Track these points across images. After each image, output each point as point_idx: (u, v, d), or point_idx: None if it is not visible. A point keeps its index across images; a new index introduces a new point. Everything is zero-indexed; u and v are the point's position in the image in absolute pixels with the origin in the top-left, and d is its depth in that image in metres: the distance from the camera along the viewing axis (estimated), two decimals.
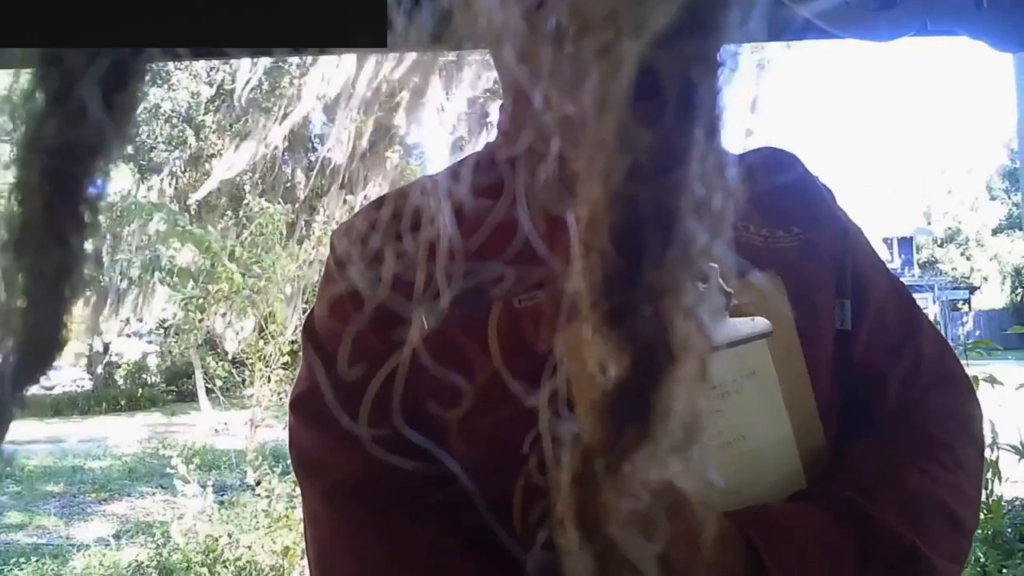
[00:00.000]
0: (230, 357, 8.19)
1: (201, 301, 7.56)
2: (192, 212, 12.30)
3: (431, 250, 0.36)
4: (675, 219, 0.24)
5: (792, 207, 0.81)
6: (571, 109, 0.24)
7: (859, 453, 0.76)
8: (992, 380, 3.82)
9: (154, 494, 7.88)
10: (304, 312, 7.56)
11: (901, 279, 0.87)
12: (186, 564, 5.02)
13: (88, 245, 0.26)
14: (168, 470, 6.25)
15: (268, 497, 5.54)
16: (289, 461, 0.79)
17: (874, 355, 0.80)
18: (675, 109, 0.23)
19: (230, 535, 5.12)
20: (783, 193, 0.81)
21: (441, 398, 0.64)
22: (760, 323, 0.73)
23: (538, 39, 0.24)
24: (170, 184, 14.01)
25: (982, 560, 3.71)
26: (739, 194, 0.25)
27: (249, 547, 4.99)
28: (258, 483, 6.47)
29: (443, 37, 0.25)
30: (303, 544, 5.10)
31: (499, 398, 0.44)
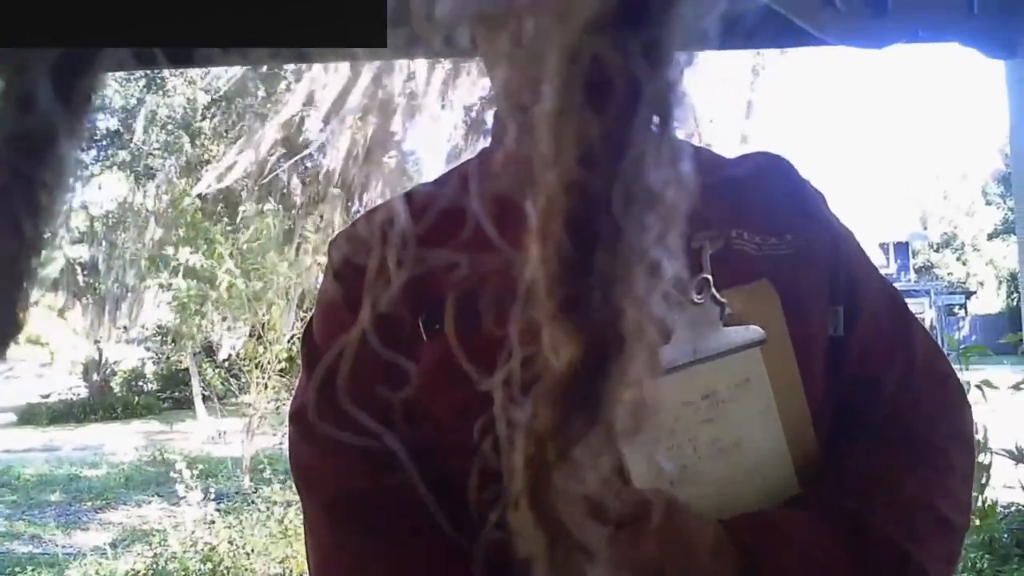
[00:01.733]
0: (227, 364, 8.16)
1: (198, 306, 7.54)
2: (189, 220, 12.28)
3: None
4: (627, 208, 0.24)
5: (785, 213, 0.81)
6: (526, 97, 0.25)
7: (852, 457, 0.76)
8: (987, 384, 3.82)
9: (150, 502, 7.84)
10: (301, 319, 7.55)
11: (897, 284, 0.88)
12: (183, 573, 5.00)
13: (45, 231, 0.26)
14: (169, 476, 6.22)
15: (267, 505, 5.52)
16: (286, 469, 0.79)
17: (867, 360, 0.81)
18: (622, 98, 0.23)
19: (231, 541, 5.10)
20: (775, 200, 0.82)
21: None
22: (753, 331, 0.73)
23: (491, 27, 0.25)
24: (166, 191, 13.98)
25: (978, 565, 3.71)
26: (693, 187, 0.26)
27: (248, 555, 4.97)
28: (255, 491, 6.45)
29: (440, 45, 0.26)
30: (303, 552, 5.09)
31: (458, 381, 0.45)
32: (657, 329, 0.26)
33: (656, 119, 0.24)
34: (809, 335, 0.77)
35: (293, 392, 0.83)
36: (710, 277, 0.69)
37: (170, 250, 8.34)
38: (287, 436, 0.79)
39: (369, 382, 0.56)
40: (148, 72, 11.62)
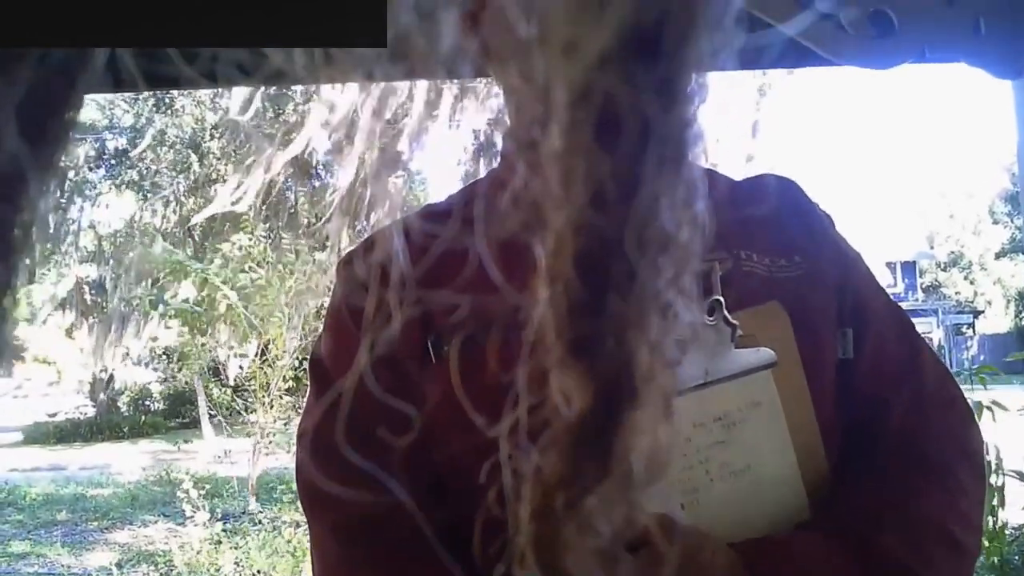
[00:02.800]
0: (232, 384, 8.17)
1: (204, 326, 7.56)
2: (196, 239, 12.35)
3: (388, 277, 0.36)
4: (640, 249, 0.23)
5: (793, 235, 0.81)
6: (535, 133, 0.24)
7: (862, 479, 0.76)
8: (996, 405, 3.80)
9: (156, 522, 7.82)
10: (306, 338, 7.55)
11: (904, 303, 0.88)
12: None
13: (20, 269, 0.25)
14: (175, 496, 6.20)
15: (273, 526, 5.51)
16: (294, 489, 0.79)
17: (876, 382, 0.80)
18: (633, 137, 0.23)
19: (237, 562, 5.08)
20: (784, 221, 0.82)
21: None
22: (765, 353, 0.73)
23: (499, 62, 0.24)
24: (174, 211, 14.06)
25: None
26: (708, 227, 0.25)
27: None
28: (261, 511, 6.44)
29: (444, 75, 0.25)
30: (305, 572, 5.03)
31: (463, 428, 0.44)
32: (672, 375, 0.25)
33: (670, 158, 0.23)
34: (819, 358, 0.77)
35: (301, 411, 0.83)
36: (721, 299, 0.69)
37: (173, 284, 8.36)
38: (294, 456, 0.79)
39: (375, 419, 0.56)
40: (157, 93, 11.70)
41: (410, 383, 0.70)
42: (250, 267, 7.44)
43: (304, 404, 0.81)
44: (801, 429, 0.74)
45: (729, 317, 0.70)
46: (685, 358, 0.67)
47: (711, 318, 0.69)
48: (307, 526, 0.80)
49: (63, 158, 0.25)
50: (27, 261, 0.25)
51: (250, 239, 7.92)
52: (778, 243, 0.79)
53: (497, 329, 0.66)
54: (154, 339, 13.39)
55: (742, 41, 0.24)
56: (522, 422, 0.27)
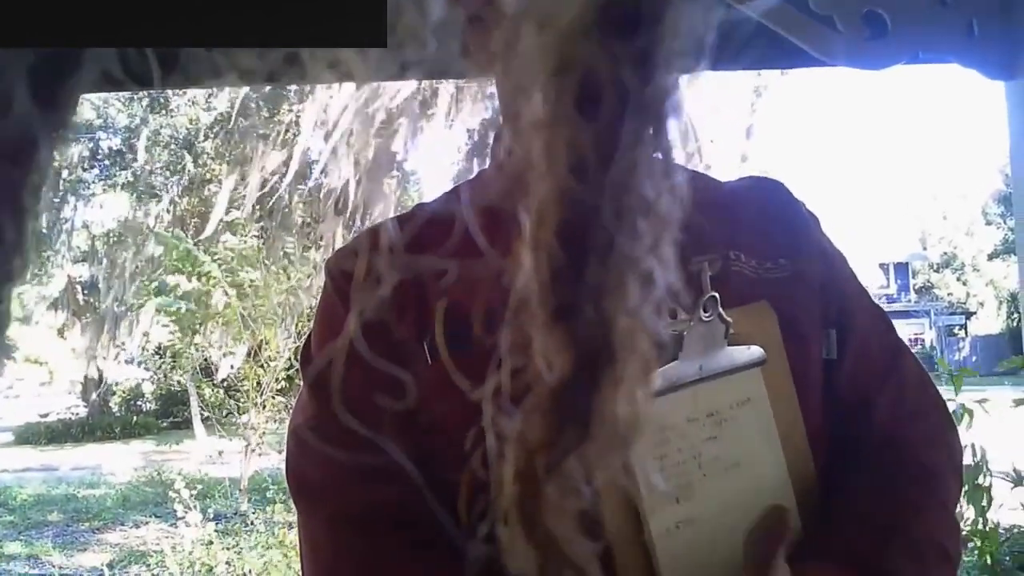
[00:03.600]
0: (224, 384, 8.16)
1: (197, 324, 7.54)
2: (190, 238, 12.32)
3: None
4: (619, 217, 0.24)
5: (779, 237, 0.82)
6: (519, 104, 0.24)
7: (858, 493, 0.77)
8: (981, 403, 3.81)
9: (148, 523, 7.81)
10: (298, 336, 7.55)
11: (897, 304, 0.88)
12: None
13: (30, 231, 0.26)
14: (167, 496, 6.18)
15: (266, 526, 5.50)
16: (285, 489, 0.79)
17: (859, 383, 0.81)
18: (612, 106, 0.23)
19: (228, 563, 5.07)
20: (770, 223, 0.83)
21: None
22: (755, 351, 0.74)
23: (483, 32, 0.24)
24: (167, 210, 14.03)
25: None
26: (686, 197, 0.25)
27: None
28: (253, 512, 6.42)
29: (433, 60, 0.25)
30: (292, 572, 5.02)
31: (449, 392, 0.44)
32: (650, 340, 0.25)
33: (650, 129, 0.24)
34: (805, 357, 0.78)
35: (293, 408, 0.83)
36: (717, 296, 0.70)
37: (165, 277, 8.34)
38: (286, 451, 0.79)
39: (366, 389, 0.56)
40: (151, 92, 11.68)
41: (401, 352, 0.70)
42: (245, 268, 7.42)
43: (296, 401, 0.81)
44: (788, 426, 0.75)
45: (724, 314, 0.71)
46: (682, 353, 0.68)
47: (707, 314, 0.70)
48: (296, 521, 0.80)
49: (69, 125, 0.25)
50: (37, 223, 0.25)
51: (243, 240, 7.90)
52: (765, 245, 0.80)
53: (483, 296, 0.67)
54: (146, 335, 13.37)
55: (720, 19, 0.24)
56: (505, 386, 0.27)
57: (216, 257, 7.48)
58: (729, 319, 0.71)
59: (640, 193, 0.24)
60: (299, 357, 0.82)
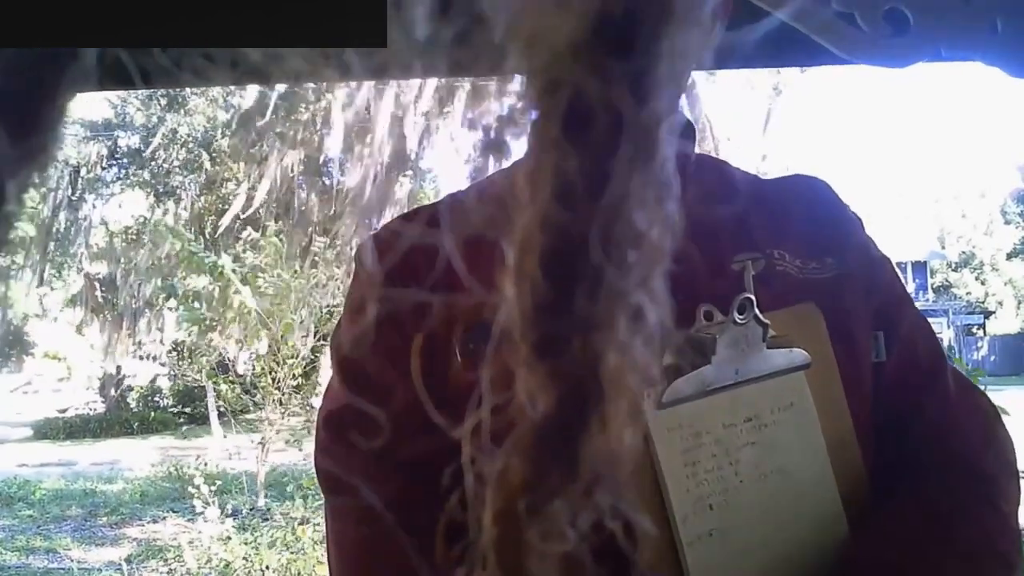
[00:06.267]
0: (242, 380, 8.19)
1: (214, 323, 7.57)
2: (207, 236, 12.39)
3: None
4: (608, 248, 0.23)
5: (825, 237, 0.80)
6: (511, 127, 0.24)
7: (908, 499, 0.74)
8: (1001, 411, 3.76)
9: (165, 518, 7.86)
10: (316, 334, 7.57)
11: (915, 303, 0.87)
12: None
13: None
14: (186, 491, 6.20)
15: (286, 521, 5.52)
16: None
17: (906, 385, 0.79)
18: (603, 131, 0.22)
19: (246, 558, 5.10)
20: (816, 223, 0.81)
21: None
22: (798, 355, 0.71)
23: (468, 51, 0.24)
24: (186, 208, 14.11)
25: None
26: (678, 228, 0.24)
27: (263, 572, 4.96)
28: (268, 508, 6.45)
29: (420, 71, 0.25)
30: (320, 570, 5.03)
31: (425, 429, 0.43)
32: (640, 377, 0.24)
33: (643, 154, 0.23)
34: (855, 360, 0.76)
35: (313, 406, 0.82)
36: (753, 297, 0.68)
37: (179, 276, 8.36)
38: (315, 439, 0.78)
39: (395, 377, 0.55)
40: (170, 91, 11.75)
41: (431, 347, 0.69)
42: (266, 268, 7.44)
43: (325, 388, 0.80)
44: (837, 431, 0.73)
45: (760, 316, 0.68)
46: (715, 357, 0.67)
47: (742, 316, 0.68)
48: (324, 511, 0.79)
49: (54, 148, 0.25)
50: (34, 254, 0.25)
51: (263, 239, 7.91)
52: (810, 244, 0.78)
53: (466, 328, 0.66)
54: (160, 330, 13.46)
55: (718, 39, 0.23)
56: (485, 424, 0.26)
57: (234, 255, 7.50)
58: (767, 321, 0.69)
59: (631, 222, 0.23)
60: (330, 344, 0.82)
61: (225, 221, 9.33)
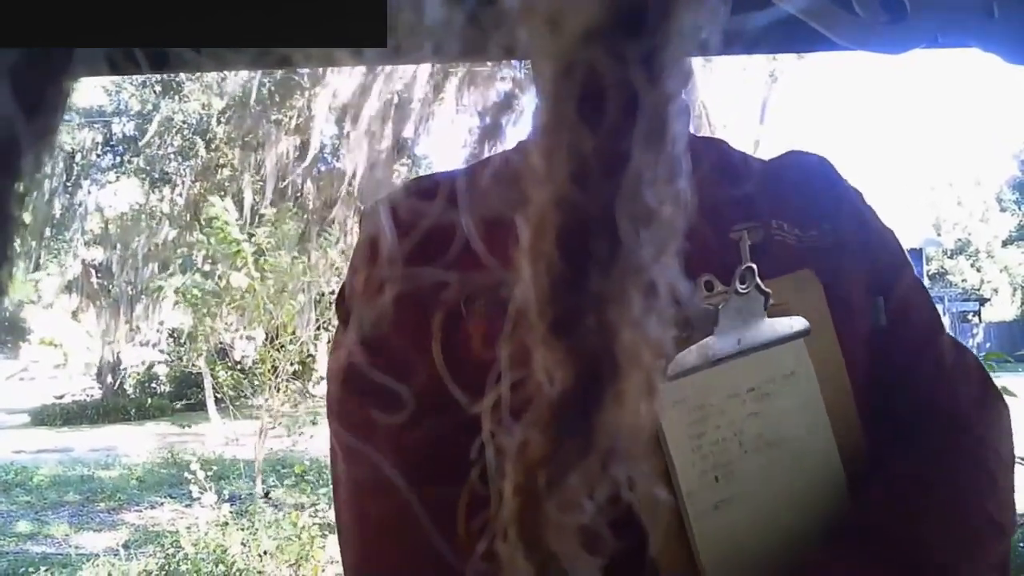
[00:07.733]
0: (239, 367, 8.19)
1: (212, 307, 7.55)
2: (202, 223, 12.35)
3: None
4: (622, 226, 0.23)
5: (823, 207, 0.81)
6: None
7: (901, 473, 0.74)
8: (1005, 391, 3.79)
9: (163, 504, 7.87)
10: (316, 321, 7.57)
11: None
12: (196, 574, 5.02)
13: (15, 242, 0.25)
14: (182, 477, 6.22)
15: (283, 507, 5.54)
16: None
17: (902, 350, 0.80)
18: (618, 111, 0.22)
19: (243, 543, 5.11)
20: (813, 194, 0.82)
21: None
22: (797, 322, 0.71)
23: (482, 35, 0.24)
24: (180, 195, 14.08)
25: None
26: (690, 205, 0.24)
27: (260, 557, 4.98)
28: (266, 493, 6.47)
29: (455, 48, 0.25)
30: (316, 555, 5.04)
31: (445, 405, 0.43)
32: (654, 352, 0.24)
33: (655, 133, 0.23)
34: (853, 326, 0.76)
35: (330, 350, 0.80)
36: (754, 266, 0.67)
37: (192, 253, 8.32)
38: (327, 393, 0.76)
39: (408, 329, 0.54)
40: (164, 77, 11.69)
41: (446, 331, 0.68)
42: (275, 253, 7.40)
43: (331, 342, 0.79)
44: (837, 398, 0.73)
45: (762, 285, 0.68)
46: (718, 327, 0.67)
47: (744, 286, 0.67)
48: (335, 480, 0.77)
49: (58, 129, 0.25)
50: (29, 240, 0.25)
51: (273, 226, 7.86)
52: (808, 214, 0.79)
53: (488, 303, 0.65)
54: (161, 323, 13.46)
55: (727, 17, 0.23)
56: (504, 400, 0.26)
57: (253, 239, 7.42)
58: (768, 290, 0.68)
59: (644, 200, 0.23)
60: (335, 305, 0.80)
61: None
